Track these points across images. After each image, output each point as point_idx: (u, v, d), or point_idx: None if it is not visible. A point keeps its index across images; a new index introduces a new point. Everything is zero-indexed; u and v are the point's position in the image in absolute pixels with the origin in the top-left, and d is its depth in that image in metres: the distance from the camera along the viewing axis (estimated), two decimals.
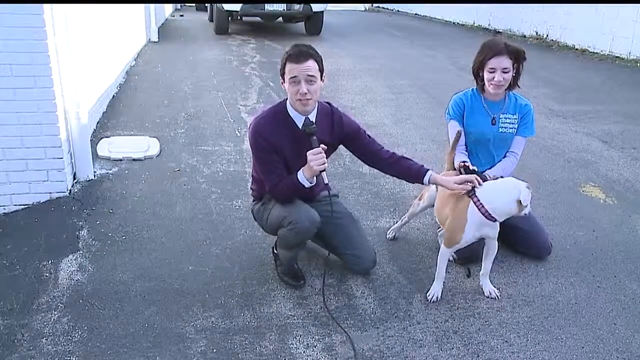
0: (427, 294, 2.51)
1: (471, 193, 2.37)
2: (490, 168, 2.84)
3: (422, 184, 2.53)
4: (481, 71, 2.75)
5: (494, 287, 2.56)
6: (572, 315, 2.40)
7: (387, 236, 3.02)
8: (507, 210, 2.34)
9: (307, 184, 2.40)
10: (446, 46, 10.02)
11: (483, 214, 2.33)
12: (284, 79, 2.39)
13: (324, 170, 2.35)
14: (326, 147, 2.38)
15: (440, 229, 2.83)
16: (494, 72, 2.69)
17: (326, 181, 2.41)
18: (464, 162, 2.68)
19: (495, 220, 2.37)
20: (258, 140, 2.41)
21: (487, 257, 2.52)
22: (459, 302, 2.48)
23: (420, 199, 2.92)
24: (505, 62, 2.67)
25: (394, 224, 3.07)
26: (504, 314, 2.40)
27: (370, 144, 2.60)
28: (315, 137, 2.37)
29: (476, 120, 2.84)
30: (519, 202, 2.29)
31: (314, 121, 2.43)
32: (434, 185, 2.65)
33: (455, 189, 2.43)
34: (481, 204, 2.33)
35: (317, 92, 2.37)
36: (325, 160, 2.35)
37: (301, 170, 2.39)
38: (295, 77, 2.31)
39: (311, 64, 2.32)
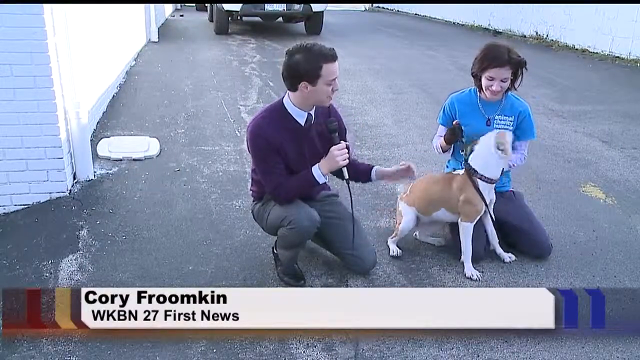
0: (467, 276, 2.66)
1: (472, 171, 2.63)
2: None
3: (370, 180, 2.67)
4: (480, 74, 2.74)
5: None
6: None
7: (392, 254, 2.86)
8: (497, 164, 2.62)
9: (322, 180, 2.43)
10: (446, 46, 10.02)
11: (485, 181, 2.62)
12: (314, 82, 2.31)
13: (345, 166, 2.42)
14: (349, 143, 2.45)
15: (393, 236, 2.90)
16: (492, 80, 2.70)
17: (346, 176, 2.45)
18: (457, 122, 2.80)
19: (495, 182, 2.66)
20: (258, 141, 2.40)
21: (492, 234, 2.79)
22: None
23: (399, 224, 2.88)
24: (505, 73, 2.68)
25: (394, 225, 3.06)
26: None
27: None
28: (337, 134, 2.43)
29: (470, 121, 2.83)
30: (499, 149, 2.57)
31: (314, 117, 2.46)
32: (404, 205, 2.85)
33: (398, 172, 2.61)
34: (481, 175, 2.61)
35: None
36: (348, 155, 2.41)
37: (317, 166, 2.41)
38: (336, 77, 2.33)
39: None
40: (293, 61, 2.32)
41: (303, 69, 2.30)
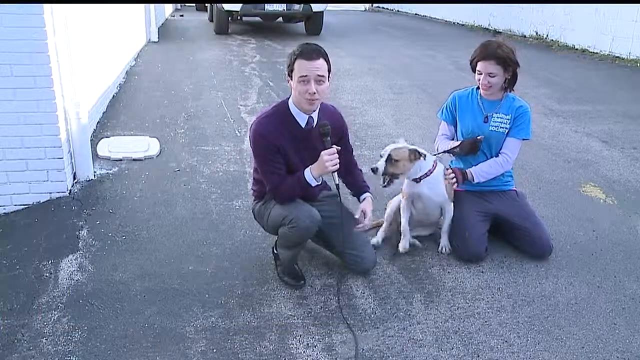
0: (400, 248, 2.80)
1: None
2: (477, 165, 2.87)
3: (358, 199, 2.71)
4: (474, 68, 2.82)
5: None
6: (572, 315, 2.40)
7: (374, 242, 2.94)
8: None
9: (314, 183, 2.43)
10: (446, 46, 10.02)
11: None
12: (291, 77, 2.36)
13: (335, 171, 2.40)
14: (339, 148, 2.42)
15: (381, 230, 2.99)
16: (480, 74, 2.77)
17: (337, 181, 2.45)
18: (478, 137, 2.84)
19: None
20: (259, 140, 2.40)
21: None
22: (459, 302, 2.48)
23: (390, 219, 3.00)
24: (491, 67, 2.72)
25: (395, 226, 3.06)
26: (504, 314, 2.40)
27: (349, 151, 2.69)
28: (329, 138, 2.40)
29: (468, 117, 2.89)
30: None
31: (315, 120, 2.45)
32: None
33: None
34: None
35: (324, 92, 2.36)
36: (338, 160, 2.38)
37: (308, 169, 2.41)
38: (305, 76, 2.29)
39: (321, 64, 2.30)
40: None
41: (288, 64, 2.37)
